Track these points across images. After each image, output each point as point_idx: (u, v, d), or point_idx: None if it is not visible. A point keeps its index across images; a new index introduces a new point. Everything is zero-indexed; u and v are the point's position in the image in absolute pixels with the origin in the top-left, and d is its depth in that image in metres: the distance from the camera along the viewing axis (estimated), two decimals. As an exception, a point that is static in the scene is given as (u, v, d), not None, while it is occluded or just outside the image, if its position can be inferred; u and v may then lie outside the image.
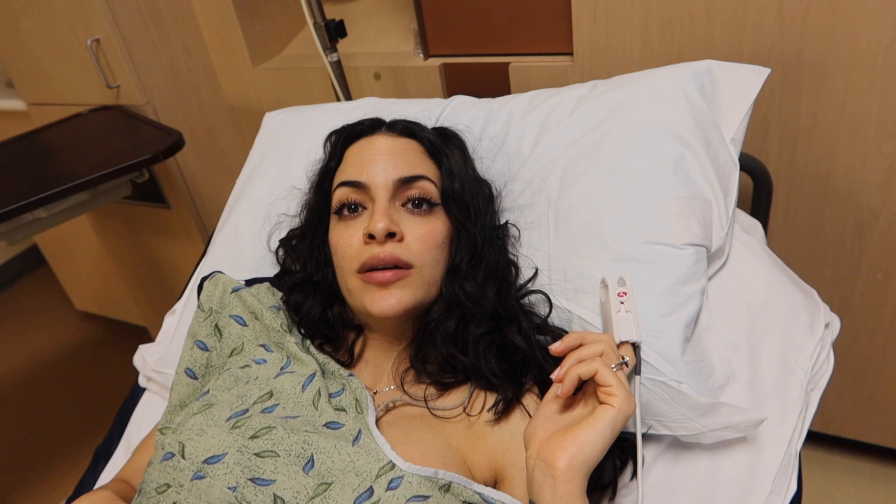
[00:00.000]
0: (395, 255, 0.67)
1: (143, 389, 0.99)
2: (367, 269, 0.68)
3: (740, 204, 0.85)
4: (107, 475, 0.92)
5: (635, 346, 0.64)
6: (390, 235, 0.68)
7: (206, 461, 0.60)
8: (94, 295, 2.24)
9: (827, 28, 0.96)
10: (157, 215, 1.70)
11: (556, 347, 0.61)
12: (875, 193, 1.05)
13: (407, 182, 0.72)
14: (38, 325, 2.44)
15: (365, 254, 0.68)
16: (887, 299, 1.14)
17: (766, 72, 0.88)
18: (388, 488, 0.57)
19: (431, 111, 0.97)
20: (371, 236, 0.68)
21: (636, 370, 0.64)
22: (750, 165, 0.98)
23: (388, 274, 0.67)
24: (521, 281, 0.78)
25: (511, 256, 0.79)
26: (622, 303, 0.66)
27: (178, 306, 1.05)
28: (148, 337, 2.10)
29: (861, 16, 0.93)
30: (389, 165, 0.72)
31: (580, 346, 0.60)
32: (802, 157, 1.08)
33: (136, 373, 1.00)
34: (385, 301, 0.67)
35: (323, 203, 0.78)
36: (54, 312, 2.46)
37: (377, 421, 0.65)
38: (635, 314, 0.65)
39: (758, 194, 1.01)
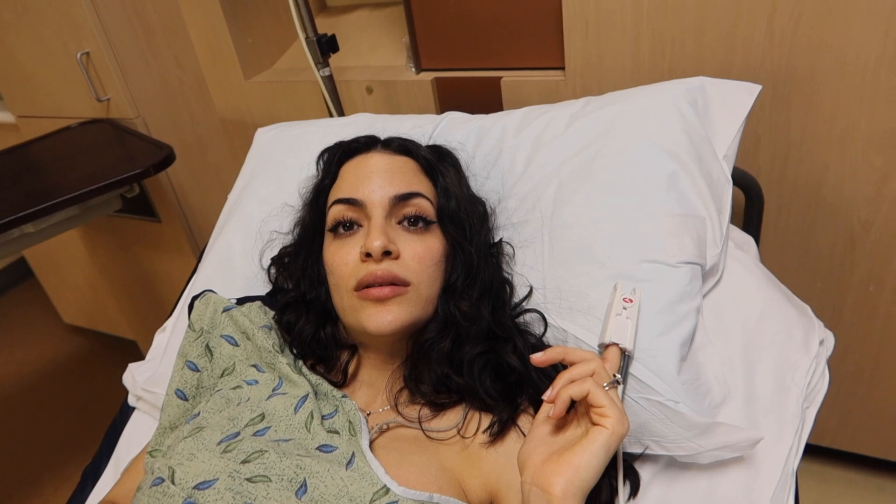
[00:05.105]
0: (392, 272, 0.67)
1: (133, 408, 0.98)
2: (364, 286, 0.67)
3: (732, 217, 0.85)
4: (95, 496, 0.91)
5: (624, 353, 0.63)
6: (387, 253, 0.67)
7: (196, 487, 0.59)
8: (82, 308, 2.21)
9: (816, 43, 0.96)
10: (148, 229, 1.68)
11: (537, 357, 0.60)
12: (865, 206, 1.06)
13: (403, 199, 0.71)
14: (25, 339, 2.41)
15: (361, 271, 0.68)
16: (878, 310, 1.15)
17: (757, 89, 0.88)
18: (383, 514, 0.56)
19: (424, 128, 0.97)
20: (368, 254, 0.67)
21: (622, 375, 0.63)
22: (741, 179, 0.98)
23: (386, 290, 0.66)
24: (516, 300, 0.78)
25: (506, 275, 0.79)
26: (625, 308, 0.65)
27: (169, 324, 1.04)
28: (137, 350, 2.08)
29: (850, 31, 0.94)
30: (385, 183, 0.72)
31: (562, 359, 0.59)
32: (793, 170, 1.09)
33: (126, 388, 0.99)
34: (382, 317, 0.66)
35: (317, 221, 0.78)
36: (42, 326, 2.43)
37: (371, 443, 0.64)
38: (634, 323, 0.64)
39: (749, 208, 1.01)
